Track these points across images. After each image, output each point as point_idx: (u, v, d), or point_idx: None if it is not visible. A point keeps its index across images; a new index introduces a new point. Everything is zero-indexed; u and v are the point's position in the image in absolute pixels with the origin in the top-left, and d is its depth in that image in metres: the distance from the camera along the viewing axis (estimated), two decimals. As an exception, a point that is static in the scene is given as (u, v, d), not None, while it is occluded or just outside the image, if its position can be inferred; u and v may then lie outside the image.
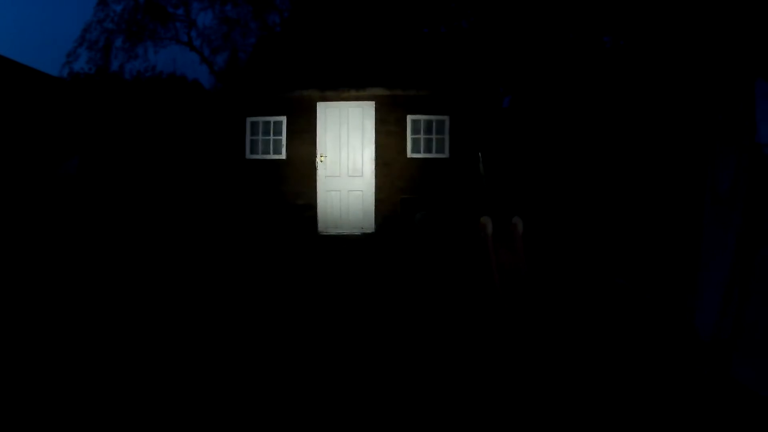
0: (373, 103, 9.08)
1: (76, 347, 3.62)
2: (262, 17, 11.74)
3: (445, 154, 9.11)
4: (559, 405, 2.88)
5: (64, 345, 3.68)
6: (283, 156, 9.14)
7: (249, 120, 9.23)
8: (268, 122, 9.20)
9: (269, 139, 9.20)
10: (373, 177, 9.03)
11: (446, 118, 9.12)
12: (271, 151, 9.19)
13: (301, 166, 9.10)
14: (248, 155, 9.21)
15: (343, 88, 9.05)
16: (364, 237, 8.73)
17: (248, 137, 9.23)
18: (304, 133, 9.10)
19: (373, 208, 9.03)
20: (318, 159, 9.03)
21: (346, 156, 9.09)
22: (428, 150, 9.12)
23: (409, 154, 9.08)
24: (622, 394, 2.97)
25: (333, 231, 9.00)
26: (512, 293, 4.70)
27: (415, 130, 9.12)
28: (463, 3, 10.63)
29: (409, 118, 9.09)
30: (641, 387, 3.07)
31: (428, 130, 9.13)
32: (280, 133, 9.16)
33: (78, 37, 12.58)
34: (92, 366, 3.30)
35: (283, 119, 9.15)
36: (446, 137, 9.12)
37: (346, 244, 8.12)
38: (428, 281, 5.63)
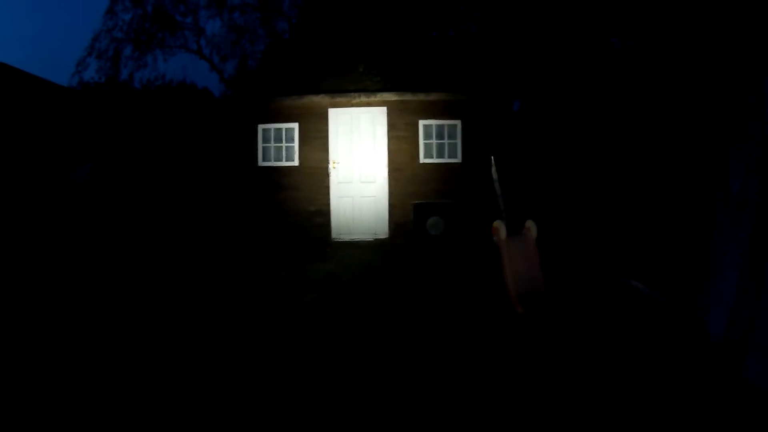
0: (384, 108, 9.07)
1: (77, 348, 3.62)
2: (270, 24, 11.75)
3: (458, 159, 9.09)
4: (567, 405, 2.87)
5: (66, 346, 3.68)
6: (296, 163, 9.14)
7: (261, 127, 9.24)
8: (280, 129, 9.21)
9: (282, 147, 9.20)
10: (386, 183, 9.00)
11: (458, 122, 9.10)
12: (284, 158, 9.19)
13: (314, 173, 9.09)
14: (260, 162, 9.21)
15: (354, 93, 9.04)
16: (377, 242, 8.72)
17: (260, 144, 9.23)
18: (315, 139, 9.10)
19: (387, 213, 9.00)
20: (331, 165, 9.02)
21: (358, 162, 9.07)
22: (441, 155, 9.10)
23: (422, 160, 9.06)
24: (632, 395, 2.97)
25: (346, 237, 8.98)
26: (527, 297, 4.68)
27: (427, 135, 9.10)
28: (471, 6, 10.62)
29: (421, 122, 9.08)
30: (652, 387, 3.07)
31: (440, 135, 9.11)
32: (293, 140, 9.17)
33: (87, 46, 12.58)
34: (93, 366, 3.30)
35: (295, 126, 9.15)
36: (458, 142, 9.10)
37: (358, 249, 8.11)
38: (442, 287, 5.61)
